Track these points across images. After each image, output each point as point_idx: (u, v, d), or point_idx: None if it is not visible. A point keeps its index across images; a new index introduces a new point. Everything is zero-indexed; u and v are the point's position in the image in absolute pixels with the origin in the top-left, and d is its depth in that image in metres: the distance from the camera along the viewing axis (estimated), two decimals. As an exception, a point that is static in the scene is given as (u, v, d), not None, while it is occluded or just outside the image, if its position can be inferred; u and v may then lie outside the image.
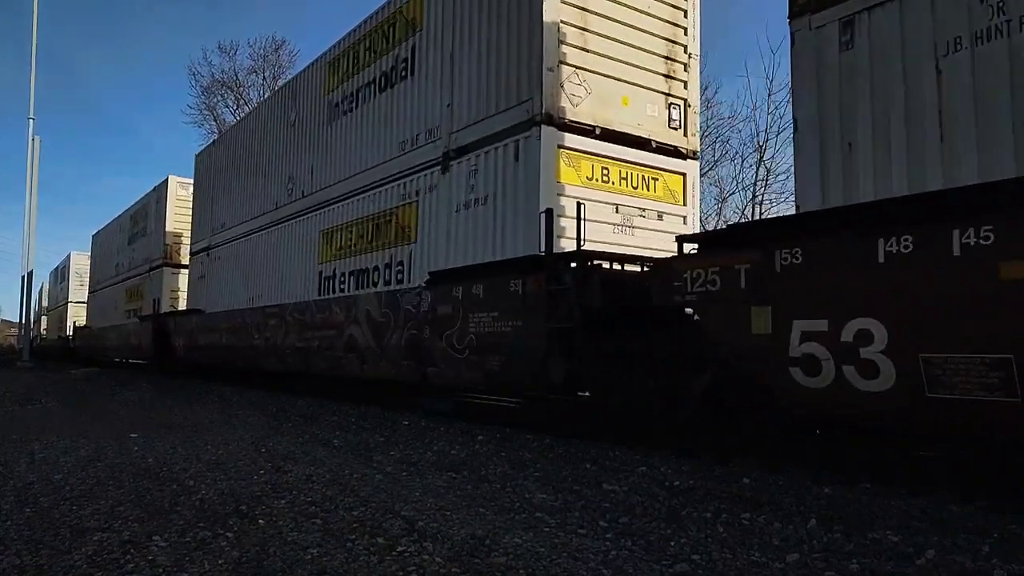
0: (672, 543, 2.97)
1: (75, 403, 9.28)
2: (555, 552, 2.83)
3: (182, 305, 17.22)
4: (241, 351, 12.45)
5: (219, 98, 33.47)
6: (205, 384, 13.34)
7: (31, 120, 24.34)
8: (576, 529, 3.18)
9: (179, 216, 18.26)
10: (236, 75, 33.11)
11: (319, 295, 10.23)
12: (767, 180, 17.59)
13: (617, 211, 6.98)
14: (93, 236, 27.54)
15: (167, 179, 18.84)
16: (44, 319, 41.46)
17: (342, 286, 9.66)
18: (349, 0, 57.21)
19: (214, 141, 16.37)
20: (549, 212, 6.07)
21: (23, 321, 26.38)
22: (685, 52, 7.65)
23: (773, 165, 17.41)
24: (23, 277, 24.49)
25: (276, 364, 11.24)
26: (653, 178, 7.33)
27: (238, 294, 13.26)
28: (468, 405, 8.09)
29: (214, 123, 33.26)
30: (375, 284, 8.89)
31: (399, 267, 8.45)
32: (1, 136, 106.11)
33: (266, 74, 32.64)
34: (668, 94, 7.48)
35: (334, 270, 9.93)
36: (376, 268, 8.89)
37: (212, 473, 4.36)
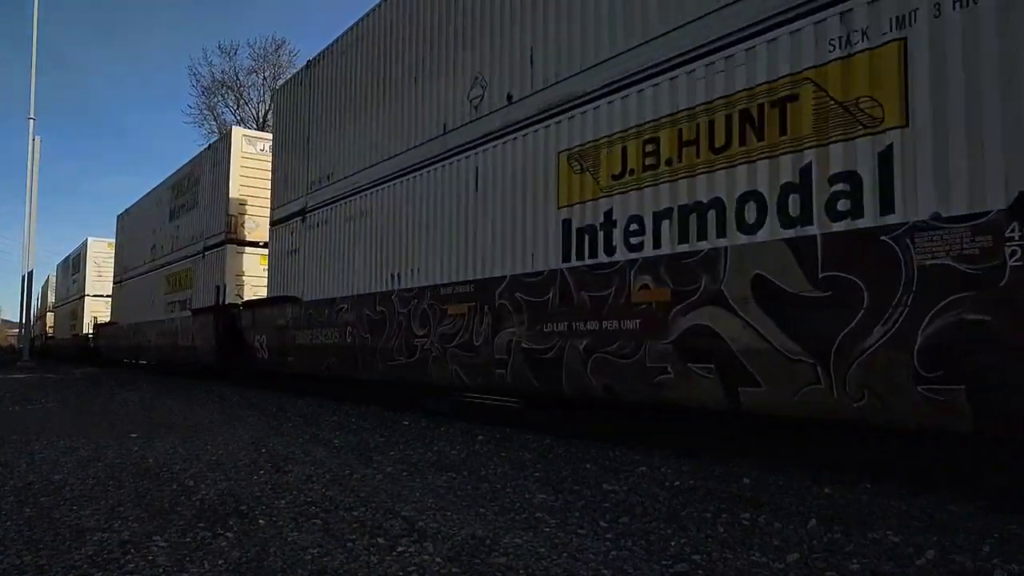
0: (672, 543, 2.98)
1: (75, 403, 9.28)
2: (555, 552, 2.83)
3: (250, 294, 13.59)
4: (385, 356, 8.16)
5: (219, 98, 33.54)
6: (205, 384, 13.34)
7: (31, 120, 24.39)
8: (576, 529, 3.18)
9: (246, 179, 14.08)
10: (236, 75, 33.19)
11: (569, 259, 5.91)
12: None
13: None
14: (119, 217, 23.13)
15: (229, 131, 14.88)
16: (51, 315, 36.84)
17: (635, 239, 5.36)
18: (349, 0, 57.26)
19: (308, 64, 11.45)
20: None
21: (23, 320, 26.40)
22: None
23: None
24: (23, 276, 24.52)
25: (471, 378, 6.85)
26: None
27: (360, 273, 9.13)
28: (468, 405, 8.08)
29: (214, 123, 33.32)
30: (753, 224, 4.59)
31: (843, 182, 4.15)
32: (1, 136, 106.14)
33: (266, 74, 32.71)
34: None
35: (607, 212, 5.62)
36: (751, 196, 4.62)
37: (212, 473, 4.36)
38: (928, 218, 3.73)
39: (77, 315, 28.92)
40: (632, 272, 5.27)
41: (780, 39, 4.57)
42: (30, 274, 24.77)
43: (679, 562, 2.74)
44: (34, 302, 34.82)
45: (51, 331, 36.43)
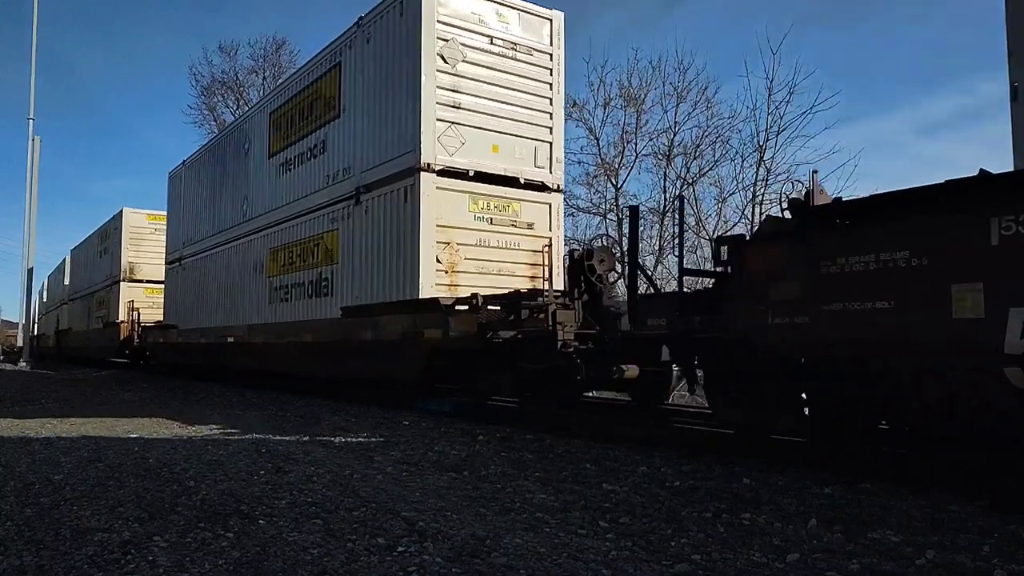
0: (673, 543, 2.98)
1: (76, 403, 9.28)
2: (555, 552, 2.83)
3: None
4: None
5: (219, 98, 33.47)
6: (205, 384, 13.34)
7: (31, 120, 24.41)
8: (576, 529, 3.18)
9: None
10: (236, 75, 33.10)
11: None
12: (767, 180, 17.40)
13: None
14: None
15: None
16: (91, 299, 23.04)
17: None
18: (349, 1, 57.28)
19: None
20: None
21: (23, 320, 26.40)
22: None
23: (773, 165, 17.18)
24: (24, 275, 24.53)
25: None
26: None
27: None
28: (468, 405, 8.07)
29: (214, 123, 33.27)
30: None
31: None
32: (1, 136, 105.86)
33: (266, 74, 32.65)
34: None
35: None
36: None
37: (212, 473, 4.36)
38: None
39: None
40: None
41: None
42: (30, 272, 24.79)
43: (679, 562, 2.74)
44: (35, 298, 34.18)
45: (109, 319, 20.47)
